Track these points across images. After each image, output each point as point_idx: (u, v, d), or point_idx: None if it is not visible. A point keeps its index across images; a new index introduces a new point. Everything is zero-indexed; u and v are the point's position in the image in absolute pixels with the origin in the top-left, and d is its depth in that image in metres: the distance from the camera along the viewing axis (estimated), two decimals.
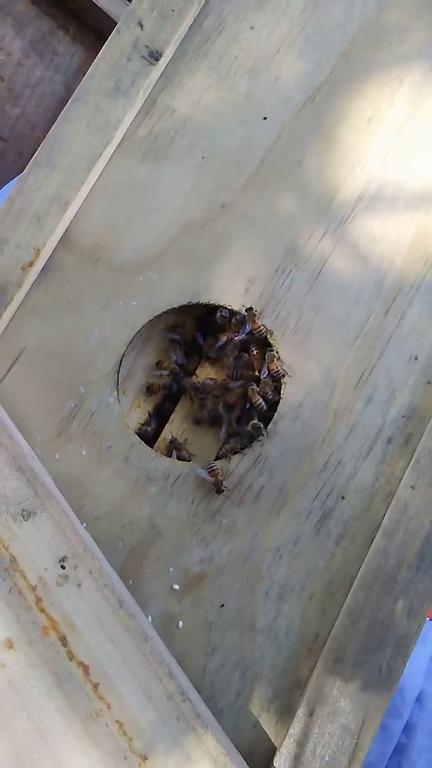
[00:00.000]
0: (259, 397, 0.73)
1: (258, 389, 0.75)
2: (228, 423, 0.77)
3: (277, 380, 0.74)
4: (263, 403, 0.73)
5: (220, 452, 0.74)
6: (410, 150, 0.79)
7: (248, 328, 0.74)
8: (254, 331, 0.75)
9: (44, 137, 0.79)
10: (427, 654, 1.22)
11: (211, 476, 0.70)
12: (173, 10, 0.82)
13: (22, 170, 1.34)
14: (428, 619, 1.29)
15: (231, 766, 0.57)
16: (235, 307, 0.76)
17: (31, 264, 0.75)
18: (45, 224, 0.76)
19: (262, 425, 0.73)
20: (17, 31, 1.41)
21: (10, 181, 1.31)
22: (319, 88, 0.82)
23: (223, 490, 0.70)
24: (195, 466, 0.72)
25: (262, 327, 0.75)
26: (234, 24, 0.84)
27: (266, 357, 0.73)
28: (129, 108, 0.80)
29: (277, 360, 0.73)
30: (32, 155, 1.37)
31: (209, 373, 0.80)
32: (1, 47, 1.38)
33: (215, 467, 0.70)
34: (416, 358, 0.73)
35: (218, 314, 0.76)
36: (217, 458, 0.74)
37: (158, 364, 0.79)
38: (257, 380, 0.75)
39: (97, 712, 0.59)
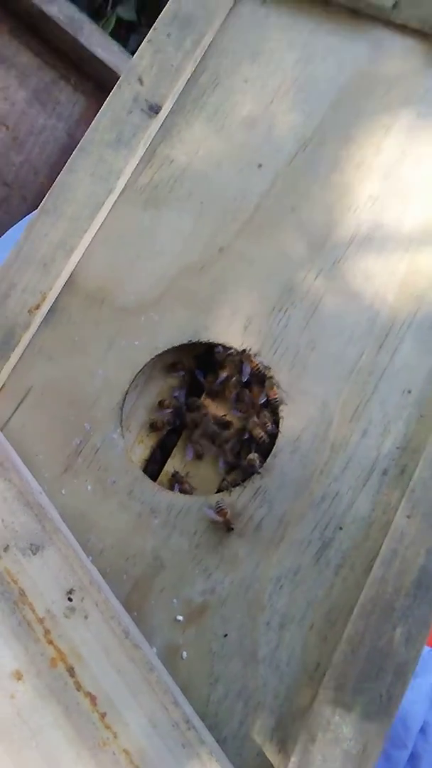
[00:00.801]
0: (261, 430, 0.76)
1: (258, 421, 0.77)
2: (224, 457, 0.79)
3: (276, 413, 0.76)
4: (265, 436, 0.76)
5: (221, 485, 0.77)
6: (398, 194, 0.83)
7: (248, 368, 0.77)
8: (252, 370, 0.78)
9: (47, 183, 0.84)
10: (429, 683, 1.22)
11: (220, 516, 0.72)
12: (172, 66, 0.87)
13: (26, 214, 1.40)
14: (429, 648, 1.30)
15: None
16: (233, 345, 0.79)
17: (37, 307, 0.79)
18: (51, 269, 0.80)
19: (258, 461, 0.75)
20: (21, 81, 1.47)
21: (15, 225, 1.36)
22: (310, 138, 0.86)
23: (233, 528, 0.72)
24: (197, 499, 0.75)
25: (258, 365, 0.78)
26: (229, 78, 0.89)
27: (266, 385, 0.76)
28: (130, 158, 0.84)
29: (277, 388, 0.76)
30: (35, 200, 1.42)
31: (211, 409, 0.83)
32: (5, 97, 1.44)
33: (224, 507, 0.72)
34: (409, 392, 0.76)
35: (216, 351, 0.79)
36: (218, 491, 0.77)
37: (161, 404, 0.82)
38: (257, 415, 0.78)
39: (104, 741, 0.60)
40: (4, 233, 1.32)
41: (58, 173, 0.84)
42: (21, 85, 1.46)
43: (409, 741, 1.15)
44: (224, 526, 0.72)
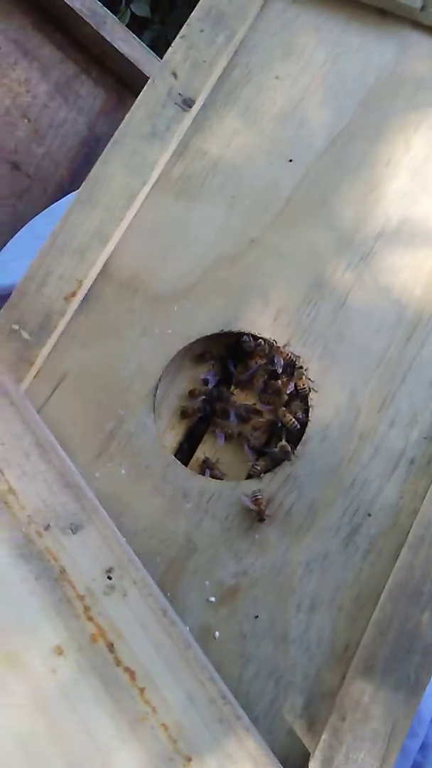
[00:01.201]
0: (290, 416, 0.77)
1: (289, 410, 0.79)
2: (250, 443, 0.81)
3: (305, 402, 0.78)
4: (296, 422, 0.78)
5: (251, 471, 0.78)
6: (427, 190, 0.85)
7: (280, 359, 0.79)
8: (283, 360, 0.80)
9: (67, 175, 0.85)
10: None
11: (255, 505, 0.74)
12: (204, 62, 0.89)
13: (47, 206, 1.41)
14: None
15: (270, 766, 0.60)
16: (264, 335, 0.81)
17: (73, 294, 0.81)
18: (86, 257, 0.82)
19: (290, 448, 0.77)
20: (43, 74, 1.48)
21: (35, 216, 1.37)
22: (340, 134, 0.88)
23: (265, 519, 0.74)
24: (228, 484, 0.76)
25: (288, 354, 0.80)
26: (260, 74, 0.91)
27: (295, 374, 0.78)
28: (164, 151, 0.86)
29: (306, 378, 0.78)
30: (56, 192, 1.43)
31: (240, 399, 0.84)
32: (28, 90, 1.46)
33: (259, 497, 0.74)
34: None
35: (242, 340, 0.81)
36: (248, 477, 0.78)
37: (191, 393, 0.84)
38: (286, 404, 0.80)
39: (143, 715, 0.62)
40: (25, 224, 1.34)
41: (78, 166, 0.86)
42: (43, 78, 1.47)
43: (421, 730, 1.17)
44: (257, 515, 0.74)
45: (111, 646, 0.64)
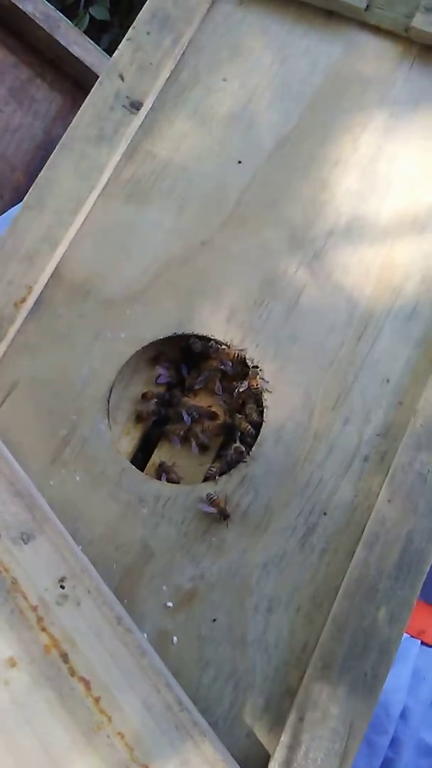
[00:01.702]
0: (246, 423, 0.77)
1: (242, 417, 0.79)
2: (198, 441, 0.81)
3: (259, 403, 0.78)
4: (251, 428, 0.78)
5: (207, 474, 0.78)
6: (374, 189, 0.85)
7: (228, 362, 0.79)
8: (234, 360, 0.80)
9: (24, 179, 0.84)
10: (409, 670, 1.25)
11: (213, 506, 0.73)
12: (151, 64, 0.89)
13: (3, 211, 1.39)
14: (408, 635, 1.33)
15: None
16: (217, 337, 0.81)
17: (23, 300, 0.80)
18: (36, 263, 0.81)
19: (244, 449, 0.77)
20: None
21: None
22: (288, 135, 0.88)
23: (229, 515, 0.73)
24: (184, 488, 0.76)
25: (236, 353, 0.79)
26: (208, 76, 0.91)
27: (250, 373, 0.78)
28: (112, 154, 0.85)
29: (260, 378, 0.78)
30: (12, 197, 1.42)
31: (194, 402, 0.84)
32: None
33: (214, 497, 0.74)
34: (388, 381, 0.79)
35: (190, 342, 0.81)
36: (204, 480, 0.78)
37: (144, 396, 0.83)
38: (240, 405, 0.80)
39: (98, 724, 0.61)
40: None
41: (34, 170, 0.85)
42: None
43: (390, 726, 1.17)
44: (220, 515, 0.73)
45: (65, 656, 0.63)
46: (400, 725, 1.20)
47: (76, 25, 1.82)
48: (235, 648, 0.71)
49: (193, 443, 0.80)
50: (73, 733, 0.61)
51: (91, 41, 1.51)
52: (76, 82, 1.55)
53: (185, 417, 0.80)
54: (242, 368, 0.80)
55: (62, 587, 0.65)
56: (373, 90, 0.90)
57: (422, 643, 1.31)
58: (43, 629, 0.64)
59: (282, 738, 0.66)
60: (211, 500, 0.74)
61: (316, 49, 0.92)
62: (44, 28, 1.43)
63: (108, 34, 2.40)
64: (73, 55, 1.47)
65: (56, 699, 0.62)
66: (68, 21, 1.49)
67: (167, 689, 0.62)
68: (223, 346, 0.80)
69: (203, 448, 0.81)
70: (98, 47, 1.53)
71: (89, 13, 2.29)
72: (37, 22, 1.41)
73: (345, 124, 0.88)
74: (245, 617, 0.71)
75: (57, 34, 1.44)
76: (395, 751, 1.19)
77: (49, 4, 1.45)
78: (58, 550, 0.66)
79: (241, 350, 0.79)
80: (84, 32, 1.82)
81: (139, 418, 0.83)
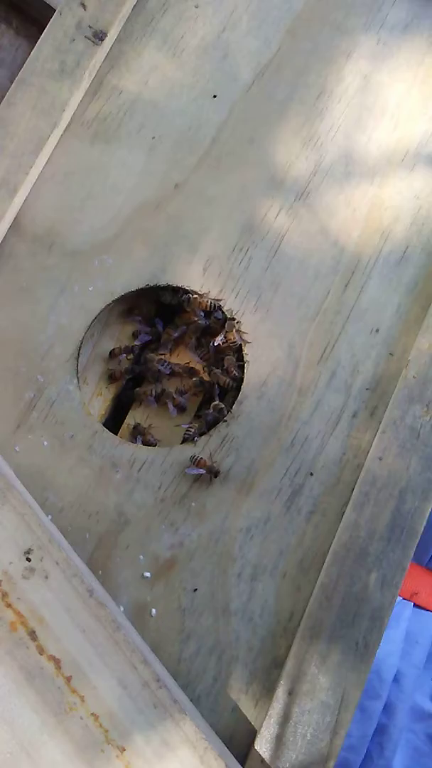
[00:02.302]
0: (226, 377, 0.72)
1: (221, 371, 0.74)
2: (174, 402, 0.75)
3: (239, 357, 0.73)
4: (231, 381, 0.72)
5: (185, 435, 0.73)
6: (361, 123, 0.79)
7: (201, 312, 0.73)
8: (210, 311, 0.74)
9: None
10: (401, 633, 1.22)
11: (200, 467, 0.68)
12: None
13: None
14: (402, 599, 1.30)
15: (210, 750, 0.56)
16: (194, 288, 0.75)
17: None
18: None
19: (224, 406, 0.72)
20: None
21: None
22: (267, 65, 0.81)
23: (219, 472, 0.68)
24: (161, 451, 0.71)
25: (208, 303, 0.74)
26: (178, 3, 0.83)
27: (226, 326, 0.72)
28: (75, 89, 0.78)
29: (236, 331, 0.72)
30: None
31: (172, 359, 0.79)
32: None
33: (198, 457, 0.69)
34: (377, 331, 0.73)
35: (159, 295, 0.75)
36: (182, 442, 0.73)
37: (112, 353, 0.77)
38: (218, 359, 0.74)
39: (70, 705, 0.57)
40: None
41: None
42: None
43: (383, 691, 1.15)
44: (209, 474, 0.68)
45: (33, 634, 0.58)
46: (394, 690, 1.18)
47: None
48: (217, 618, 0.66)
49: (170, 404, 0.75)
50: (43, 715, 0.57)
51: None
52: (43, 27, 1.45)
53: (162, 369, 0.75)
54: (220, 320, 0.74)
55: (28, 559, 0.60)
56: (358, 14, 0.82)
57: (415, 605, 1.28)
58: (9, 605, 0.59)
59: (269, 712, 0.62)
60: (197, 461, 0.69)
61: None
62: None
63: None
64: None
65: (24, 679, 0.57)
66: None
67: (144, 665, 0.58)
68: (195, 296, 0.73)
69: (181, 409, 0.76)
70: None
71: None
72: None
73: (328, 51, 0.81)
74: (228, 586, 0.67)
75: None
76: (389, 716, 1.17)
77: None
78: (23, 520, 0.61)
79: (218, 300, 0.73)
80: None
81: (111, 377, 0.77)
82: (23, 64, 1.49)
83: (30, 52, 1.50)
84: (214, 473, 0.69)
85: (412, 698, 1.20)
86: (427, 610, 1.26)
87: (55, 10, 1.42)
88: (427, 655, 1.22)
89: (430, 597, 1.28)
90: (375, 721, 1.16)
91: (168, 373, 0.75)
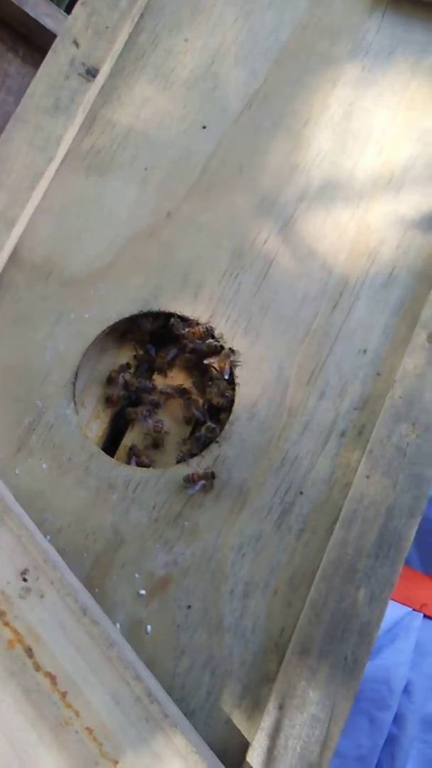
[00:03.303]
0: (219, 398, 0.74)
1: (216, 390, 0.76)
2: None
3: (231, 381, 0.75)
4: (223, 401, 0.74)
5: (179, 456, 0.75)
6: (346, 149, 0.81)
7: (193, 339, 0.76)
8: (197, 337, 0.76)
9: None
10: (411, 644, 1.23)
11: (197, 480, 0.71)
12: (107, 27, 0.84)
13: None
14: (411, 609, 1.30)
15: (201, 763, 0.58)
16: (185, 313, 0.77)
17: None
18: None
19: (215, 426, 0.74)
20: None
21: None
22: (254, 95, 0.84)
23: (215, 476, 0.71)
24: (155, 472, 0.73)
25: (201, 330, 0.76)
26: (168, 38, 0.86)
27: (221, 355, 0.74)
28: (69, 125, 0.81)
29: (230, 362, 0.74)
30: None
31: (165, 382, 0.81)
32: None
33: (193, 473, 0.71)
34: (365, 351, 0.75)
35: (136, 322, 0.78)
36: (177, 462, 0.75)
37: (109, 379, 0.80)
38: (210, 383, 0.76)
39: (66, 720, 0.59)
40: None
41: None
42: None
43: (393, 702, 1.16)
44: (208, 483, 0.70)
45: (29, 651, 0.61)
46: (404, 700, 1.18)
47: None
48: (211, 635, 0.68)
49: (146, 420, 0.77)
50: (40, 730, 0.59)
51: (62, 11, 1.45)
52: None
53: (154, 398, 0.77)
54: (212, 344, 0.76)
55: (25, 579, 0.63)
56: (343, 43, 0.85)
57: (425, 616, 1.29)
58: (6, 624, 0.62)
59: (261, 725, 0.64)
60: (190, 479, 0.71)
61: (281, 2, 0.87)
62: (13, 1, 1.38)
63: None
64: (44, 27, 1.41)
65: (22, 695, 0.60)
66: None
67: (136, 681, 0.60)
68: (189, 329, 0.76)
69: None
70: None
71: None
72: None
73: (314, 80, 0.83)
74: (221, 603, 0.69)
75: (26, 6, 1.39)
76: (399, 726, 1.18)
77: None
78: (20, 542, 0.64)
79: (205, 325, 0.76)
80: (68, 4, 1.76)
81: (108, 401, 0.80)
82: None
83: None
84: (210, 476, 0.71)
85: (423, 708, 1.21)
86: None
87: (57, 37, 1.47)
88: None
89: None
90: (386, 731, 1.16)
91: (158, 403, 0.77)
